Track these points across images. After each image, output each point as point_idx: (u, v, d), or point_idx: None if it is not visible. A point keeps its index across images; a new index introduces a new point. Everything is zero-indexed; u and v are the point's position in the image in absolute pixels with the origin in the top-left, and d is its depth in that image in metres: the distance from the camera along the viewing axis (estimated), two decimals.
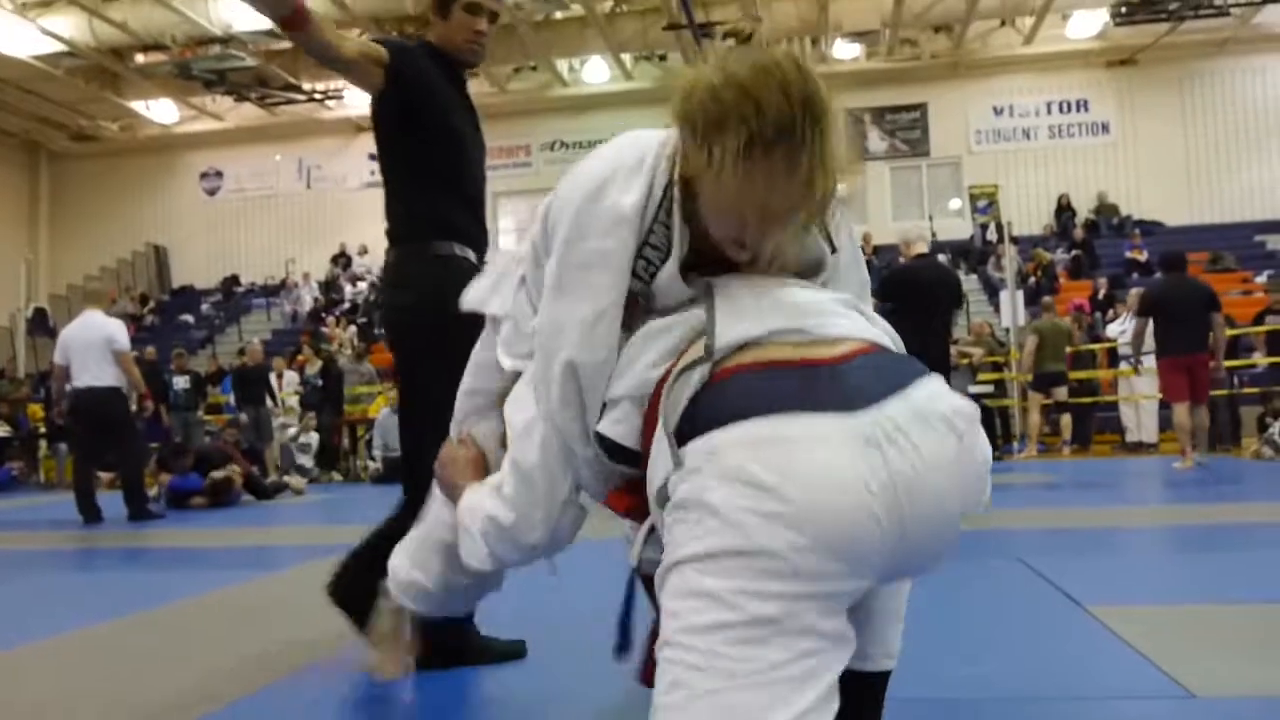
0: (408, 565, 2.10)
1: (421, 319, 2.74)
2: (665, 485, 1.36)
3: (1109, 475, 9.28)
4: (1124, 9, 17.60)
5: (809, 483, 1.25)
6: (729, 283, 1.51)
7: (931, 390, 1.37)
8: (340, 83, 20.82)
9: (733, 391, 1.35)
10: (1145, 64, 19.85)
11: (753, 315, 1.43)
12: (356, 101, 21.75)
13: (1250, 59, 19.79)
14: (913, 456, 1.30)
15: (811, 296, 1.49)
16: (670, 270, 1.53)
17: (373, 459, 12.83)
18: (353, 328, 18.36)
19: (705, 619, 1.26)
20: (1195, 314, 8.77)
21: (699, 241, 1.52)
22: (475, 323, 2.01)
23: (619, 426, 1.52)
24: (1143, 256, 17.19)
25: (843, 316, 1.46)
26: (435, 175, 2.86)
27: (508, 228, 23.07)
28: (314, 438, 13.82)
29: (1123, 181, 19.80)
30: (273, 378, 14.42)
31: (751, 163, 1.35)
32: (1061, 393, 12.10)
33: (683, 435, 1.36)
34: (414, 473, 2.64)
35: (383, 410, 12.69)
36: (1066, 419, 12.52)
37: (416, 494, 2.28)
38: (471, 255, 2.84)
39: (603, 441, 1.53)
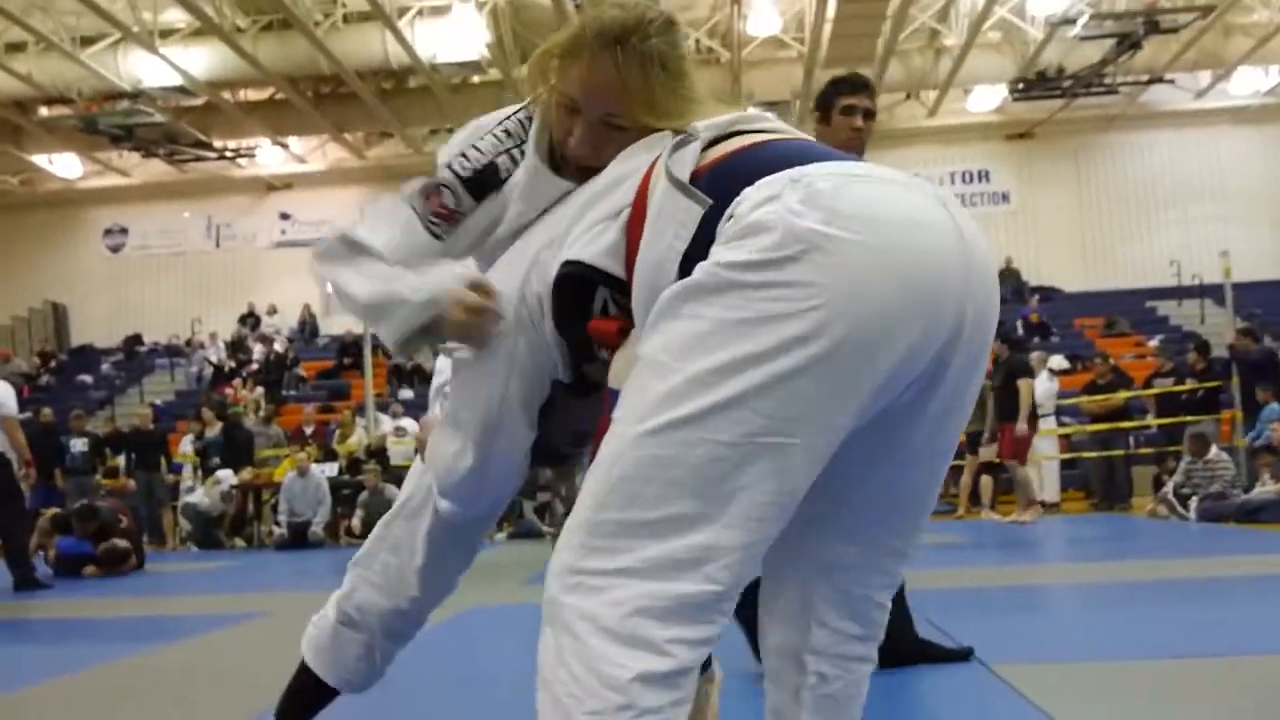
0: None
1: None
2: (668, 259, 1.27)
3: (1013, 535, 9.47)
4: (1021, 85, 18.36)
5: (897, 216, 1.21)
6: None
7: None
8: (253, 141, 20.64)
9: (760, 155, 1.31)
10: (1042, 137, 20.70)
11: (729, 115, 1.43)
12: (269, 160, 21.56)
13: (1138, 135, 20.77)
14: (975, 236, 1.27)
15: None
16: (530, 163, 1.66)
17: (278, 524, 12.49)
18: (260, 389, 17.97)
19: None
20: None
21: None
22: None
23: (595, 250, 1.43)
24: (1039, 321, 17.79)
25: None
26: None
27: None
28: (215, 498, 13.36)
29: (1023, 249, 20.49)
30: (188, 439, 14.05)
31: None
32: (989, 452, 12.22)
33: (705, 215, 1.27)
34: None
35: (289, 474, 12.40)
36: (988, 480, 12.66)
37: None
38: None
39: (565, 281, 1.46)
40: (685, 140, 1.34)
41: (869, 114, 3.23)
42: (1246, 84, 19.94)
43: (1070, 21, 16.32)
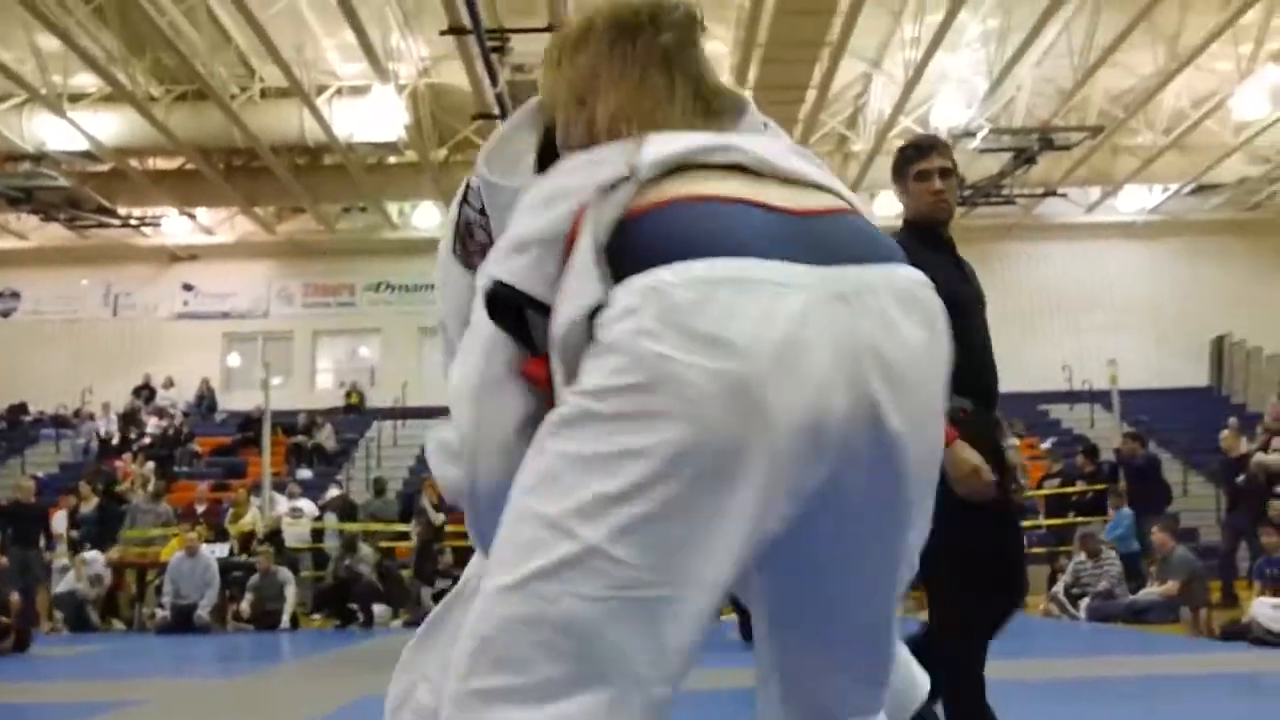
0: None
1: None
2: (576, 323, 1.13)
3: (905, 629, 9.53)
4: None
5: (757, 333, 1.06)
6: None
7: (917, 276, 1.20)
8: (158, 210, 20.27)
9: (675, 221, 1.14)
10: None
11: (689, 138, 1.25)
12: (173, 230, 21.17)
13: (1033, 245, 21.68)
14: (894, 335, 1.12)
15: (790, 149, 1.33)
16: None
17: (161, 607, 11.95)
18: (150, 464, 17.33)
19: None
20: None
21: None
22: None
23: (524, 271, 1.22)
24: None
25: (807, 163, 1.29)
26: None
27: (326, 366, 22.59)
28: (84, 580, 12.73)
29: None
30: (61, 515, 13.43)
31: None
32: None
33: (614, 267, 1.13)
34: None
35: (177, 554, 11.92)
36: None
37: None
38: (968, 404, 2.87)
39: (494, 299, 1.23)
40: (620, 182, 1.18)
41: (946, 172, 3.11)
42: (1134, 201, 21.05)
43: (970, 134, 17.10)
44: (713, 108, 1.38)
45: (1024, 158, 17.42)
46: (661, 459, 1.04)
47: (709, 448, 1.04)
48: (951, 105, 17.13)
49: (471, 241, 1.69)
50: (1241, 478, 10.16)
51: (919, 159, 3.13)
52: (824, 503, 1.14)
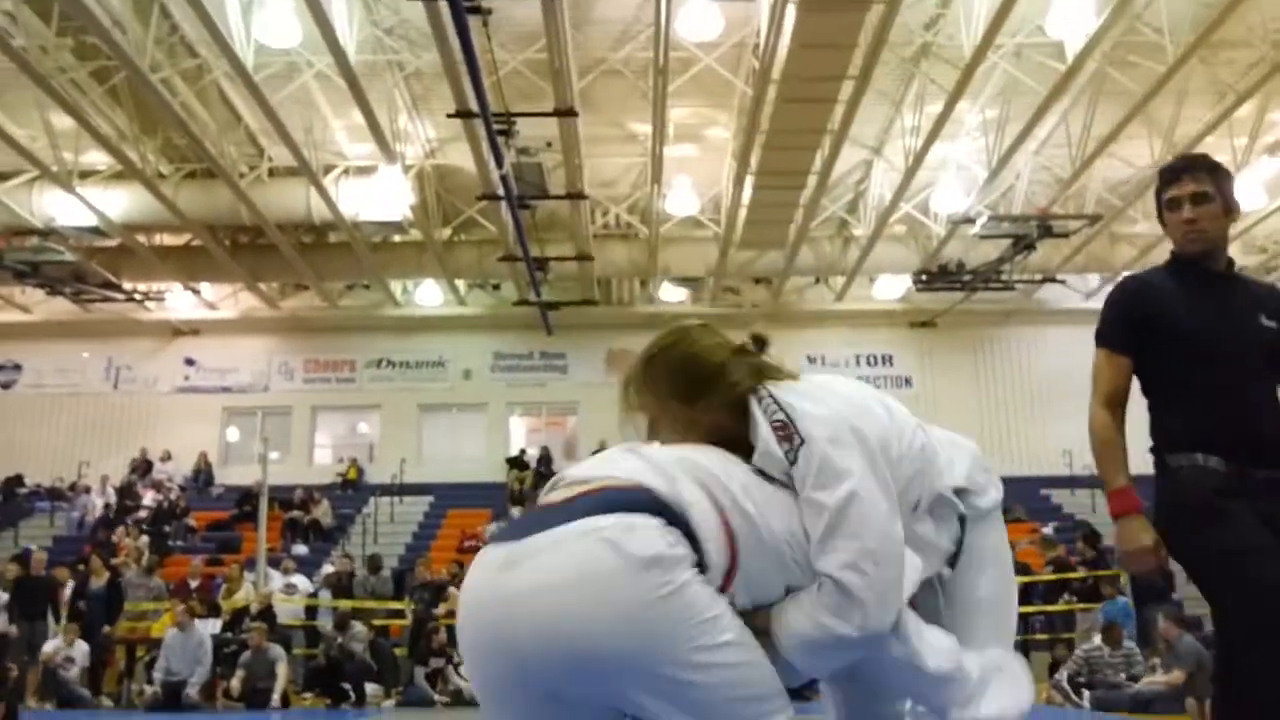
0: None
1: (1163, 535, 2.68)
2: None
3: None
4: (924, 277, 19.23)
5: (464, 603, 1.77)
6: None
7: (597, 522, 1.69)
8: (162, 285, 20.42)
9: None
10: (944, 327, 21.56)
11: (582, 466, 1.93)
12: (177, 305, 21.30)
13: (1033, 329, 21.78)
14: (533, 574, 1.67)
15: (618, 455, 1.92)
16: None
17: (150, 683, 11.74)
18: (145, 538, 17.19)
19: None
20: None
21: None
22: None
23: None
24: None
25: (613, 465, 1.87)
26: (1166, 386, 2.84)
27: (324, 442, 22.52)
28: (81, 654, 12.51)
29: None
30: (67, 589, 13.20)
31: None
32: None
33: None
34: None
35: (169, 629, 11.75)
36: None
37: None
38: (1214, 460, 2.65)
39: None
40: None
41: (1200, 197, 2.75)
42: None
43: (970, 221, 17.29)
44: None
45: (1023, 244, 17.57)
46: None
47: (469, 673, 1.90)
48: (951, 192, 17.35)
49: None
50: None
51: (1167, 185, 2.82)
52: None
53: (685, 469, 1.82)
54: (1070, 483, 19.26)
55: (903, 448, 2.02)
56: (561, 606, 1.62)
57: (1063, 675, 10.59)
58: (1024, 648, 12.79)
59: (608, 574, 1.63)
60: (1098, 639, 10.64)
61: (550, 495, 1.84)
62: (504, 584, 1.68)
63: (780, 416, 1.88)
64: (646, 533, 1.67)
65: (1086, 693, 10.01)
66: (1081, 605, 12.14)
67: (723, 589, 1.74)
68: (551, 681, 1.66)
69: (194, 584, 14.18)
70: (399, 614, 13.53)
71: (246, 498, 18.14)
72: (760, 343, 2.05)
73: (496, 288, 21.23)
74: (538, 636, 1.63)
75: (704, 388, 1.97)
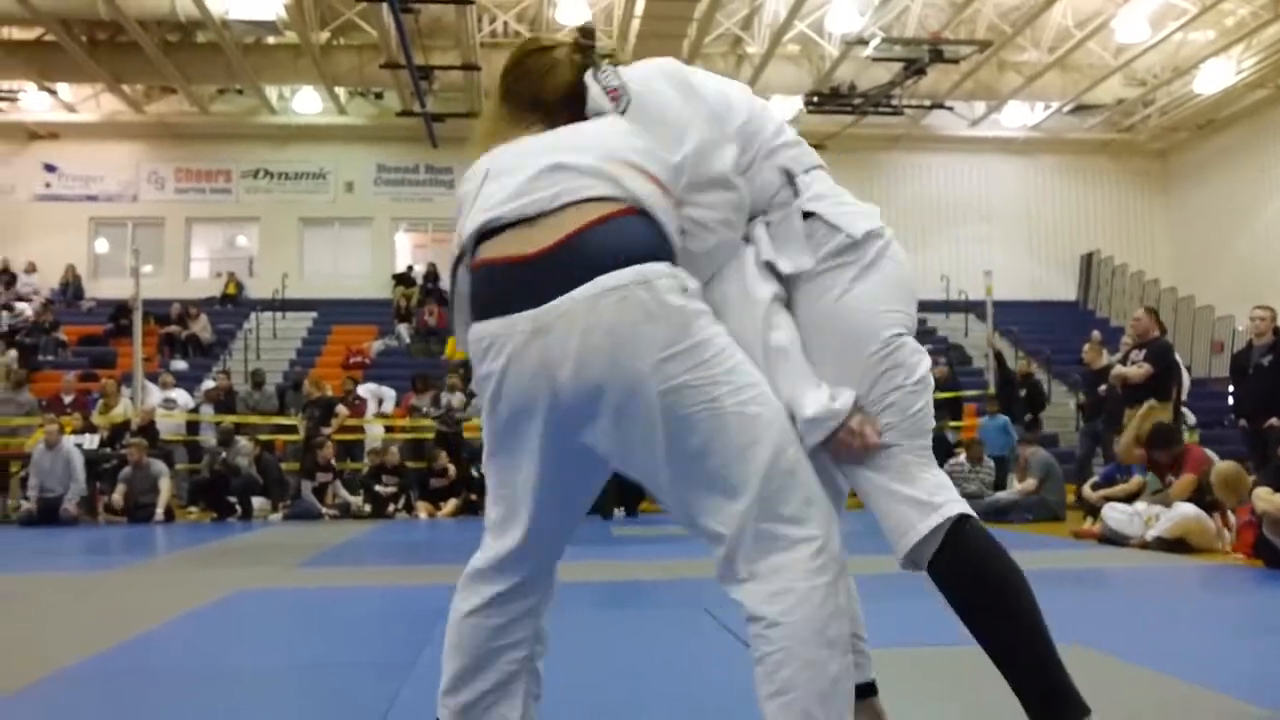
0: None
1: None
2: None
3: None
4: (815, 98, 19.14)
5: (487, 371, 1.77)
6: (503, 154, 1.94)
7: (609, 282, 1.69)
8: (15, 84, 19.04)
9: (472, 289, 1.83)
10: (833, 149, 21.49)
11: (493, 200, 1.83)
12: (33, 106, 19.94)
13: (918, 156, 22.08)
14: (566, 344, 1.69)
15: (545, 160, 1.84)
16: None
17: (26, 499, 11.57)
18: (12, 351, 16.58)
19: None
20: None
21: None
22: None
23: None
24: None
25: (554, 184, 1.80)
26: None
27: (200, 255, 21.79)
28: None
29: None
30: None
31: None
32: None
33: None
34: None
35: (37, 445, 11.51)
36: None
37: None
38: None
39: None
40: (460, 257, 1.93)
41: None
42: (1016, 117, 21.50)
43: (863, 42, 17.15)
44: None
45: (914, 69, 17.56)
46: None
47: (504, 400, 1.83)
48: (846, 12, 17.11)
49: None
50: (1102, 388, 10.65)
51: None
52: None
53: (606, 158, 1.85)
54: (946, 307, 19.98)
55: (741, 106, 2.12)
56: (599, 354, 1.68)
57: None
58: None
59: (643, 335, 1.69)
60: (963, 456, 11.33)
61: (519, 240, 1.77)
62: (539, 348, 1.70)
63: (615, 83, 1.98)
64: (663, 282, 1.72)
65: None
66: (953, 423, 13.01)
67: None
68: (578, 412, 1.72)
69: (68, 400, 13.83)
70: (285, 429, 13.48)
71: (120, 311, 17.54)
72: (589, 34, 2.14)
73: (379, 97, 20.38)
74: (578, 375, 1.69)
75: (564, 88, 2.05)
